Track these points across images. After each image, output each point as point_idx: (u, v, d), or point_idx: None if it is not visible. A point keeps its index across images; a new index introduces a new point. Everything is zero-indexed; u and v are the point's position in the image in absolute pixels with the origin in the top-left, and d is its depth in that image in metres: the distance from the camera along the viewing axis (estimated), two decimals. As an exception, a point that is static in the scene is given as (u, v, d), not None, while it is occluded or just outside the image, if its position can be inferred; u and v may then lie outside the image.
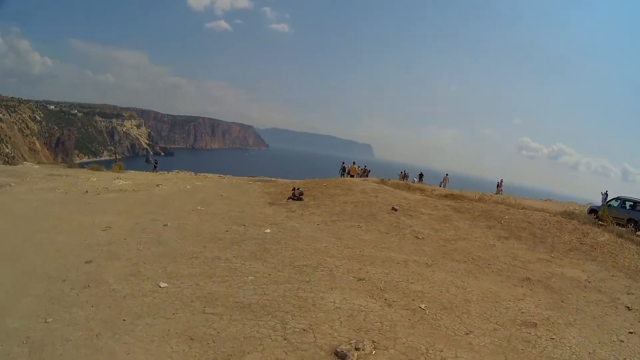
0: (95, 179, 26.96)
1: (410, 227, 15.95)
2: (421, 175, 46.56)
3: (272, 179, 38.44)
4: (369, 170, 44.27)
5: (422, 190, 28.32)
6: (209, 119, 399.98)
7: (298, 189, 20.45)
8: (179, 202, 19.12)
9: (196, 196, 20.75)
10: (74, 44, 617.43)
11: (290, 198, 19.91)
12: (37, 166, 35.30)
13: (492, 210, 18.58)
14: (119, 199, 19.46)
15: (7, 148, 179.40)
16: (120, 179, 27.80)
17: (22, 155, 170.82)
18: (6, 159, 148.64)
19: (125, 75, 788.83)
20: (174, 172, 38.53)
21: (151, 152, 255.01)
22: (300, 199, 19.59)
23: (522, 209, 19.82)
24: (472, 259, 13.32)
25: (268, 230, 14.18)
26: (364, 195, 19.77)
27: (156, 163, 42.76)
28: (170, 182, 28.20)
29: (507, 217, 17.66)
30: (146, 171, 38.96)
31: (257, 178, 38.04)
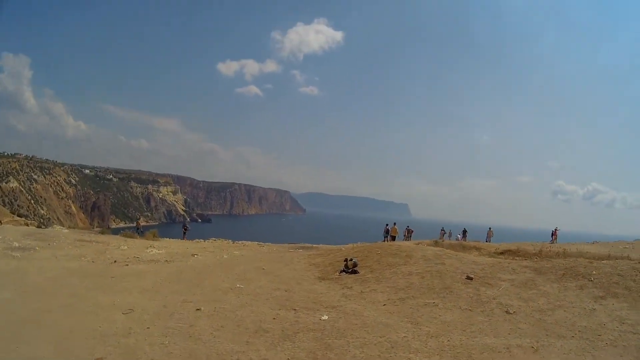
0: (126, 247, 25.01)
1: (494, 299, 12.95)
2: (465, 232, 45.12)
3: (314, 245, 35.93)
4: (412, 231, 42.26)
5: (477, 248, 25.86)
6: (245, 185, 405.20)
7: (351, 259, 17.77)
8: (215, 277, 16.55)
9: (235, 269, 18.26)
10: (107, 109, 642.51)
11: (344, 271, 17.23)
12: (66, 230, 33.70)
13: (575, 266, 15.55)
14: (148, 273, 17.02)
15: (43, 210, 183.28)
16: (154, 247, 26.02)
17: (57, 218, 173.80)
18: (41, 221, 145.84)
19: (160, 141, 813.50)
20: (210, 240, 36.38)
21: (188, 219, 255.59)
22: (355, 272, 16.87)
23: (604, 259, 16.92)
24: (579, 331, 10.42)
25: (325, 317, 11.25)
26: (427, 263, 16.81)
27: (185, 229, 41.35)
28: (207, 251, 26.31)
29: (594, 272, 14.60)
30: (182, 239, 37.10)
31: (298, 245, 35.62)
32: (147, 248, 25.44)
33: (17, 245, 21.21)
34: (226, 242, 35.55)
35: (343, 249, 26.26)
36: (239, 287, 14.49)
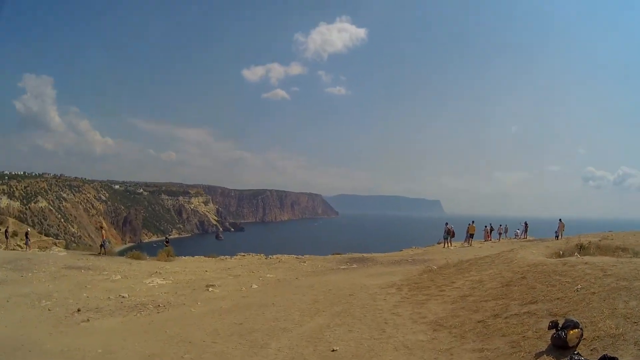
0: (119, 276, 19.37)
1: None
2: (526, 225, 40.56)
3: (365, 254, 28.86)
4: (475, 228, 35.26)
5: (623, 249, 16.89)
6: (276, 191, 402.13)
7: (572, 324, 7.27)
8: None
9: (269, 348, 9.18)
10: (134, 123, 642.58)
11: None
12: (63, 253, 28.85)
13: None
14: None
15: (73, 227, 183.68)
16: (160, 273, 20.32)
17: (88, 235, 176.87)
18: (72, 239, 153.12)
19: (189, 152, 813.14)
20: (238, 257, 29.41)
21: (221, 229, 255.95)
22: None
23: None
24: None
25: None
26: None
27: (167, 242, 33.48)
28: (230, 276, 20.14)
29: None
30: (207, 255, 29.93)
31: (348, 256, 28.42)
32: (151, 276, 19.70)
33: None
34: (258, 257, 29.51)
35: (434, 268, 17.89)
36: None
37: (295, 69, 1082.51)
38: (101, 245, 28.57)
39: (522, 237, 39.36)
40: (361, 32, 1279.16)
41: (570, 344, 6.72)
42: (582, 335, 6.87)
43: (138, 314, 12.94)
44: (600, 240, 20.78)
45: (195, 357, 8.64)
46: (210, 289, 16.69)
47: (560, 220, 34.28)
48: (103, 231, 33.29)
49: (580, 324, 6.95)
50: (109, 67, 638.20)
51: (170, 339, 9.91)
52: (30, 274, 18.53)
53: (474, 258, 18.44)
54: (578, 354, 6.34)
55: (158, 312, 13.15)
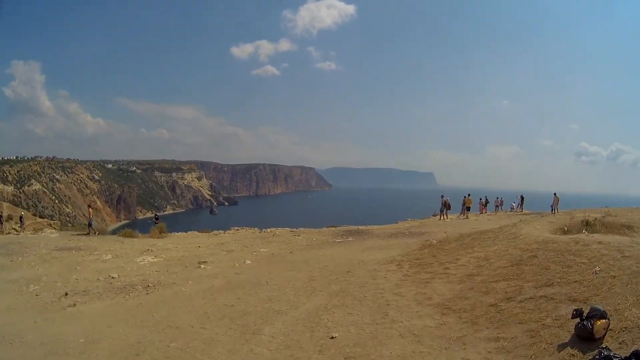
0: (110, 255, 18.82)
1: None
2: (522, 199, 40.93)
3: (361, 227, 28.41)
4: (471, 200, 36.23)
5: (629, 227, 16.80)
6: (269, 165, 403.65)
7: (596, 313, 6.22)
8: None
9: (262, 333, 8.49)
10: (125, 104, 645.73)
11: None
12: (55, 235, 28.68)
13: None
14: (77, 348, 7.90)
15: (68, 208, 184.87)
16: (152, 251, 19.87)
17: (83, 214, 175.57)
18: (67, 219, 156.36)
19: (181, 130, 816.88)
20: (232, 231, 28.99)
21: (215, 203, 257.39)
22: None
23: None
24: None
25: None
26: None
27: (157, 220, 33.12)
28: (224, 252, 19.76)
29: None
30: (201, 231, 29.57)
31: (343, 228, 27.99)
32: (142, 254, 19.24)
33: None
34: (252, 231, 28.88)
35: (434, 242, 17.20)
36: None
37: (285, 45, 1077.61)
38: (89, 225, 28.12)
39: (518, 210, 39.82)
40: (350, 9, 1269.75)
41: (597, 336, 5.98)
42: (609, 326, 6.14)
43: (126, 296, 12.46)
44: (603, 217, 20.20)
45: (183, 345, 8.03)
46: (203, 266, 16.30)
47: (555, 194, 34.20)
48: (90, 210, 32.21)
49: (608, 314, 6.27)
50: (97, 49, 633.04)
51: (158, 324, 9.33)
52: (20, 258, 18.14)
53: (474, 232, 17.85)
54: (607, 348, 5.57)
55: (147, 293, 12.62)
